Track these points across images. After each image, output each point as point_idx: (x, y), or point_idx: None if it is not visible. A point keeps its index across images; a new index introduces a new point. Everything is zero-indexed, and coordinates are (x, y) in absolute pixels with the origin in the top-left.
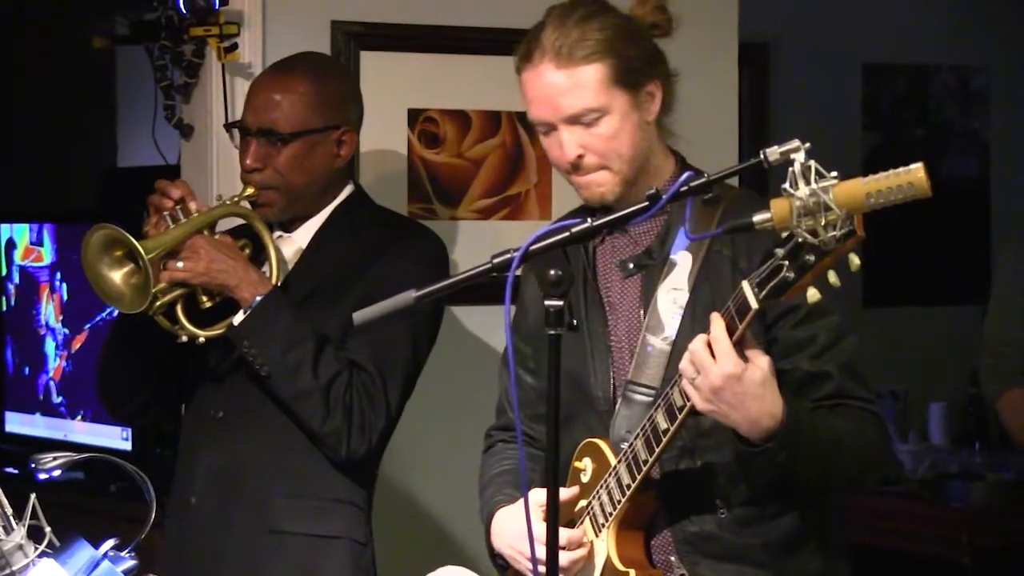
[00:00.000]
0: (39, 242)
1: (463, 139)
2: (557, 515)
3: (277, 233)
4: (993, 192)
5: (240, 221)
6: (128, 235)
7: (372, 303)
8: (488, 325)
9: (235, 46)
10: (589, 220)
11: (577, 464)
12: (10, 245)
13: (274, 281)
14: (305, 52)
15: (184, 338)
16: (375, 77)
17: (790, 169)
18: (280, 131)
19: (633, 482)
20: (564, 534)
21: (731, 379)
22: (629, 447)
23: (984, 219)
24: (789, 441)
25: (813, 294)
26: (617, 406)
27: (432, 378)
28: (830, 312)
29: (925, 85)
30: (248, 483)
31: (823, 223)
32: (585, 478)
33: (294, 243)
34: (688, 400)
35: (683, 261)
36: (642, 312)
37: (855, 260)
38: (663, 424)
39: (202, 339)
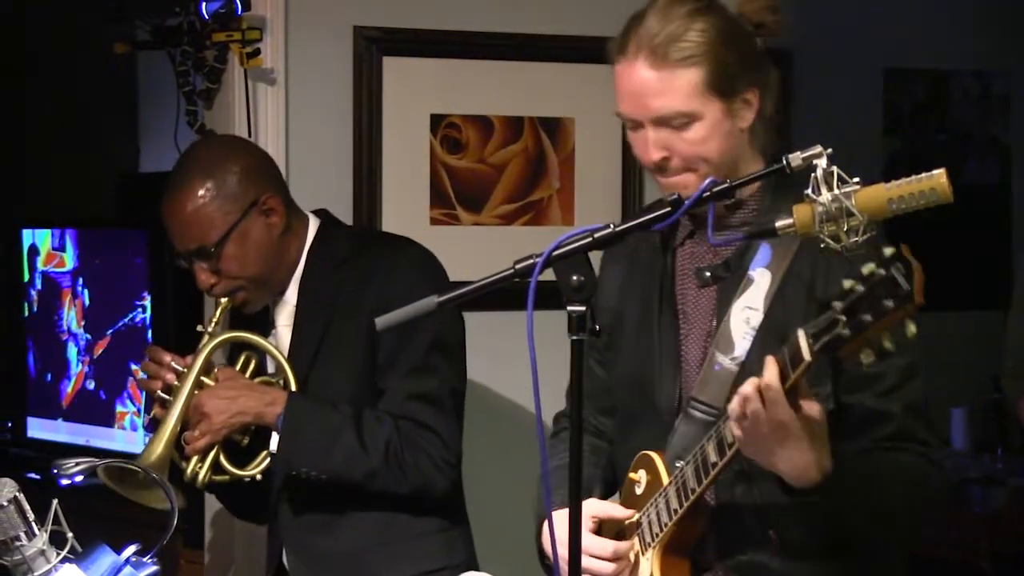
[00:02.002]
0: (61, 248)
1: (485, 144)
2: (579, 522)
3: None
4: (1014, 196)
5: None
6: (129, 463)
7: (379, 335)
8: (509, 331)
9: (257, 52)
10: (611, 225)
11: (632, 476)
12: (33, 251)
13: (291, 382)
14: (188, 152)
15: (246, 479)
16: (397, 83)
17: (812, 175)
18: (208, 243)
19: (680, 508)
20: (611, 545)
21: (779, 428)
22: (680, 471)
23: (1005, 223)
24: (833, 495)
25: (868, 357)
26: (678, 421)
27: None
28: (903, 352)
29: (946, 90)
30: (337, 548)
31: (845, 228)
32: (639, 490)
33: (288, 304)
34: None
35: (761, 279)
36: (714, 326)
37: (911, 327)
38: (712, 457)
39: (258, 476)
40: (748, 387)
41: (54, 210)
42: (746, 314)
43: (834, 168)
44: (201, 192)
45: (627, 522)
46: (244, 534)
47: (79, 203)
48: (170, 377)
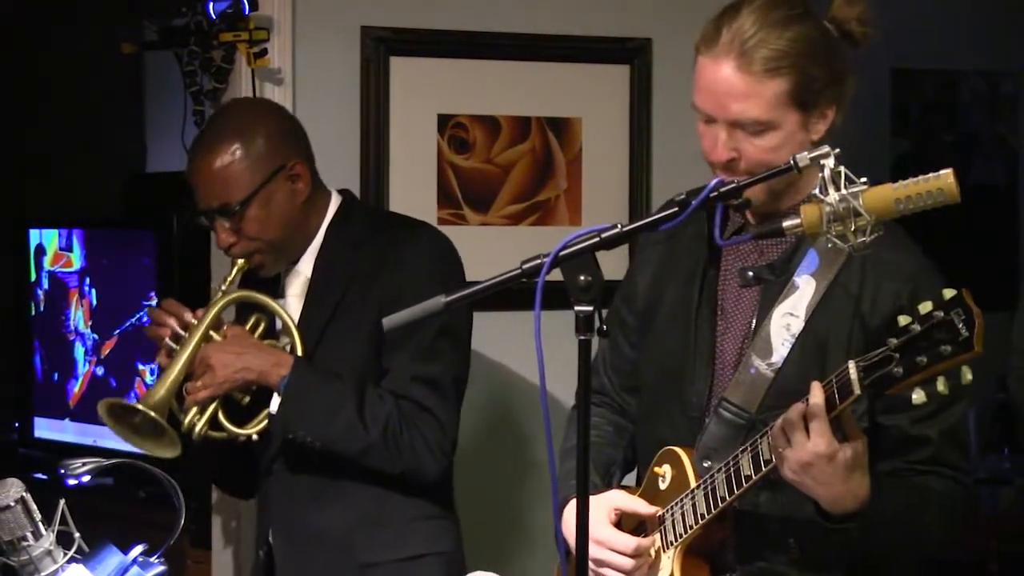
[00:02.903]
0: (68, 247)
1: (493, 144)
2: (587, 517)
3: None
4: (1021, 197)
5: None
6: (130, 403)
7: (391, 313)
8: (516, 331)
9: (264, 52)
10: (619, 225)
11: (657, 469)
12: (39, 251)
13: (298, 348)
14: (221, 110)
15: (242, 438)
16: (405, 82)
17: (820, 175)
18: (233, 202)
19: (708, 514)
20: (633, 542)
21: (821, 458)
22: (710, 477)
23: (1012, 224)
24: (867, 526)
25: (919, 397)
26: (708, 420)
27: None
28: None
29: (954, 91)
30: (325, 524)
31: (852, 228)
32: (663, 485)
33: (300, 275)
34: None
35: (805, 287)
36: (753, 327)
37: (967, 375)
38: (746, 470)
39: (254, 436)
40: (792, 413)
41: (61, 210)
42: (787, 320)
43: (841, 168)
44: (231, 150)
45: (649, 516)
46: (251, 531)
47: (86, 203)
48: (180, 328)
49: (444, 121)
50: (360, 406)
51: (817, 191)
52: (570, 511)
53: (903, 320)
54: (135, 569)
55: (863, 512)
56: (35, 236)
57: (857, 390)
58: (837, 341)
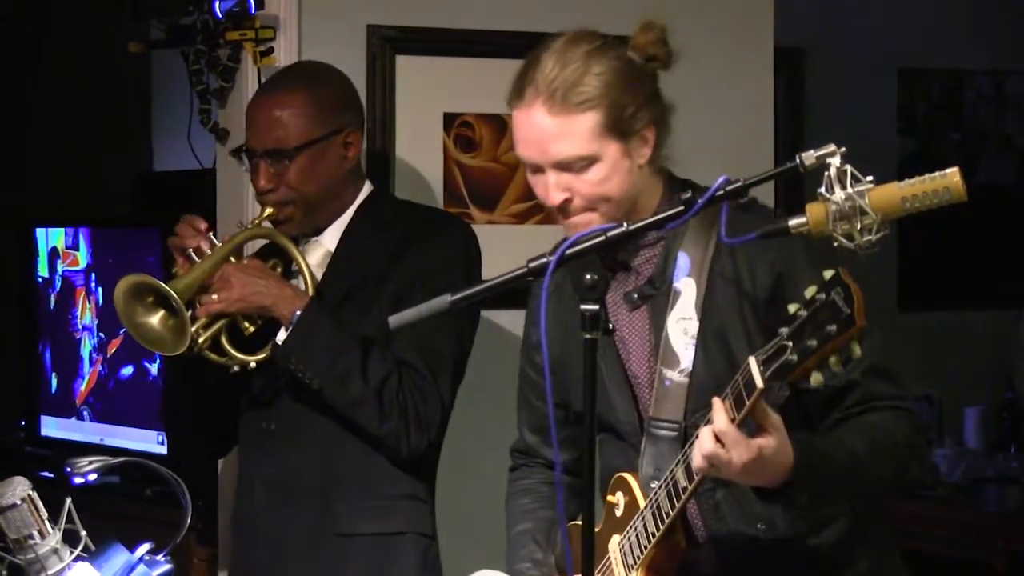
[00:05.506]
0: (75, 246)
1: (499, 143)
2: (592, 534)
3: (304, 239)
4: None
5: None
6: (156, 280)
7: (407, 298)
8: (521, 330)
9: (271, 50)
10: (625, 224)
11: (611, 498)
12: (54, 253)
13: (309, 293)
14: (295, 64)
15: (236, 368)
16: (411, 81)
17: (826, 173)
18: (286, 147)
19: (658, 531)
20: None
21: (750, 463)
22: (654, 495)
23: (1019, 223)
24: (805, 485)
25: (816, 380)
26: (643, 443)
27: (463, 381)
28: None
29: (960, 90)
30: (308, 490)
31: (858, 227)
32: (619, 512)
33: (322, 247)
34: None
35: (687, 289)
36: (652, 342)
37: (856, 349)
38: (682, 481)
39: (253, 364)
40: (706, 439)
41: (68, 208)
42: (682, 325)
43: (847, 167)
44: (301, 98)
45: (610, 544)
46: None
47: (93, 201)
48: (204, 244)
49: (450, 120)
50: (365, 357)
51: (823, 189)
52: None
53: (792, 308)
54: (141, 567)
55: (796, 473)
56: (50, 236)
57: (760, 383)
58: (734, 326)
